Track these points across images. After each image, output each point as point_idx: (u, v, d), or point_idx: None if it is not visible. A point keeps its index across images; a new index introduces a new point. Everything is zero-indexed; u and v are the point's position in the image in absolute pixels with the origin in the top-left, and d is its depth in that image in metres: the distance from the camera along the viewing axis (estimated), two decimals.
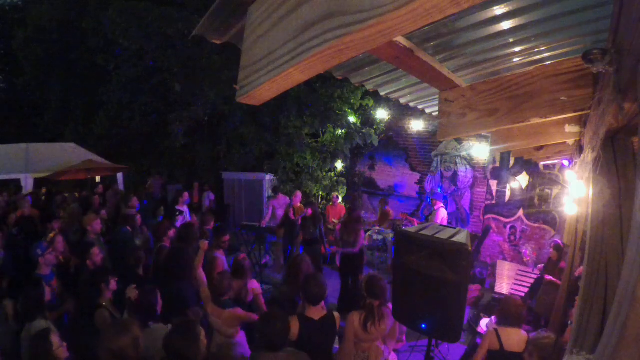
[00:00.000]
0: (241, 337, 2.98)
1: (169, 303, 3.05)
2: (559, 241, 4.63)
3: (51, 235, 3.96)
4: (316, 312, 2.68)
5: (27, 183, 8.32)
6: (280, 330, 2.23)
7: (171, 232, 4.51)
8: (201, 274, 3.31)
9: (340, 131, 9.19)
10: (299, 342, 2.53)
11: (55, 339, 2.31)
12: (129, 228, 4.88)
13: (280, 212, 7.73)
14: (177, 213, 6.10)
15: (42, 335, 2.33)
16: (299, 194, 7.03)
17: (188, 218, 6.61)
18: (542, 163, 6.22)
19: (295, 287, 3.28)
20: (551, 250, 4.55)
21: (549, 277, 4.33)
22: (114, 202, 7.51)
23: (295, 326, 2.55)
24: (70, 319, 3.45)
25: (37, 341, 2.30)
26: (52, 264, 3.76)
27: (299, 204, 6.87)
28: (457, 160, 7.97)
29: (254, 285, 3.54)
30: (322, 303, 2.74)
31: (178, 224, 5.85)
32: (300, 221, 6.24)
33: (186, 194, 7.22)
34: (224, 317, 2.91)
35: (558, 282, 4.19)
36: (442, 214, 6.39)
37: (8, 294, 3.27)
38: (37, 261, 3.71)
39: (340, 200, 8.57)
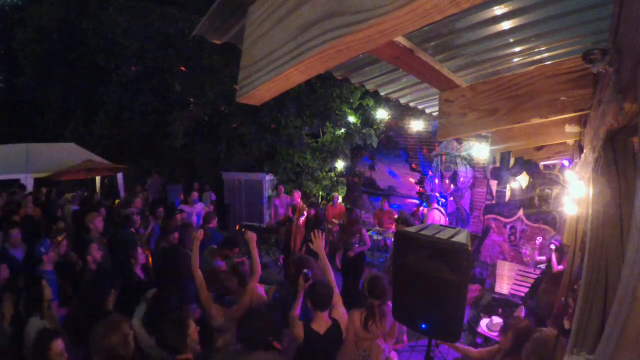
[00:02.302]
0: None
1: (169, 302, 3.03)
2: (557, 242, 4.63)
3: (59, 238, 3.99)
4: (322, 323, 2.62)
5: (27, 183, 8.33)
6: (260, 329, 2.24)
7: (172, 237, 4.48)
8: (199, 274, 3.06)
9: (340, 131, 9.19)
10: (302, 352, 2.52)
11: (58, 345, 2.26)
12: (133, 230, 4.89)
13: (282, 211, 7.75)
14: (177, 212, 6.10)
15: (44, 336, 2.30)
16: (297, 193, 7.01)
17: (195, 217, 6.62)
18: (542, 163, 6.22)
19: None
20: (552, 250, 4.55)
21: (559, 268, 4.31)
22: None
23: (300, 331, 2.54)
24: (72, 320, 3.44)
25: (38, 341, 2.28)
26: (55, 260, 3.79)
27: (300, 203, 6.86)
28: (457, 160, 7.97)
29: (260, 290, 3.49)
30: (327, 312, 2.68)
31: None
32: (301, 221, 6.23)
33: (195, 193, 7.26)
34: (228, 315, 2.84)
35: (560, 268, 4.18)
36: (434, 215, 6.41)
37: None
38: (40, 259, 3.72)
39: (340, 200, 8.58)
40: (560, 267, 4.30)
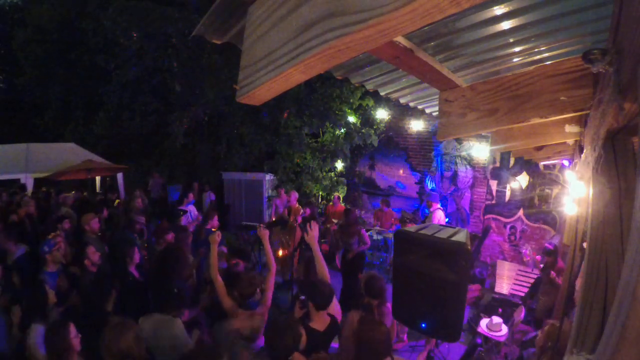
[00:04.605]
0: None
1: (164, 303, 3.04)
2: (550, 245, 4.62)
3: (51, 235, 3.96)
4: (321, 322, 2.62)
5: (27, 183, 8.32)
6: (290, 343, 2.18)
7: (169, 236, 4.46)
8: (218, 278, 2.89)
9: (340, 131, 9.20)
10: (305, 351, 2.52)
11: (72, 328, 2.34)
12: (135, 235, 4.89)
13: (282, 211, 7.77)
14: (182, 213, 6.08)
15: (61, 323, 2.34)
16: (294, 195, 6.99)
17: (191, 217, 6.60)
18: (542, 163, 6.22)
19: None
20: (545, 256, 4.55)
21: (553, 274, 4.32)
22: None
23: (302, 337, 2.51)
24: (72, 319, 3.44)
25: (56, 328, 2.31)
26: (59, 261, 3.76)
27: (295, 205, 6.85)
28: (457, 160, 7.97)
29: None
30: (326, 310, 2.66)
31: (184, 223, 5.85)
32: (300, 220, 6.24)
33: (191, 195, 7.24)
34: (254, 320, 2.71)
35: (559, 281, 4.18)
36: (439, 215, 6.35)
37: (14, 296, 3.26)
38: (44, 259, 3.69)
39: (340, 200, 8.58)
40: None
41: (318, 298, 2.58)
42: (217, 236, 3.14)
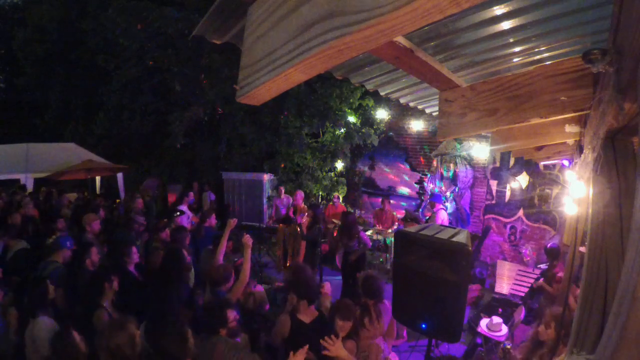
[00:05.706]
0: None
1: (163, 304, 3.04)
2: (554, 245, 4.62)
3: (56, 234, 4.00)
4: (308, 314, 2.67)
5: (27, 183, 8.33)
6: (218, 315, 2.35)
7: (164, 234, 4.47)
8: (223, 244, 3.49)
9: (340, 131, 9.20)
10: (289, 342, 2.53)
11: (75, 334, 2.33)
12: (133, 234, 4.89)
13: (284, 212, 7.79)
14: (177, 213, 6.09)
15: (64, 331, 2.34)
16: (300, 194, 6.99)
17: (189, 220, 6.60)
18: (542, 163, 6.22)
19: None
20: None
21: (540, 282, 4.34)
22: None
23: (286, 324, 2.59)
24: (69, 318, 3.44)
25: (60, 337, 2.31)
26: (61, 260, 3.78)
27: (301, 204, 6.85)
28: (457, 160, 7.97)
29: (259, 288, 3.54)
30: (313, 306, 2.74)
31: (182, 222, 5.86)
32: (302, 220, 6.24)
33: (191, 194, 7.23)
34: None
35: (549, 288, 4.18)
36: (442, 216, 6.34)
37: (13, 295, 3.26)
38: (54, 253, 3.72)
39: (340, 200, 8.58)
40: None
41: (303, 290, 2.67)
42: (233, 222, 3.74)
